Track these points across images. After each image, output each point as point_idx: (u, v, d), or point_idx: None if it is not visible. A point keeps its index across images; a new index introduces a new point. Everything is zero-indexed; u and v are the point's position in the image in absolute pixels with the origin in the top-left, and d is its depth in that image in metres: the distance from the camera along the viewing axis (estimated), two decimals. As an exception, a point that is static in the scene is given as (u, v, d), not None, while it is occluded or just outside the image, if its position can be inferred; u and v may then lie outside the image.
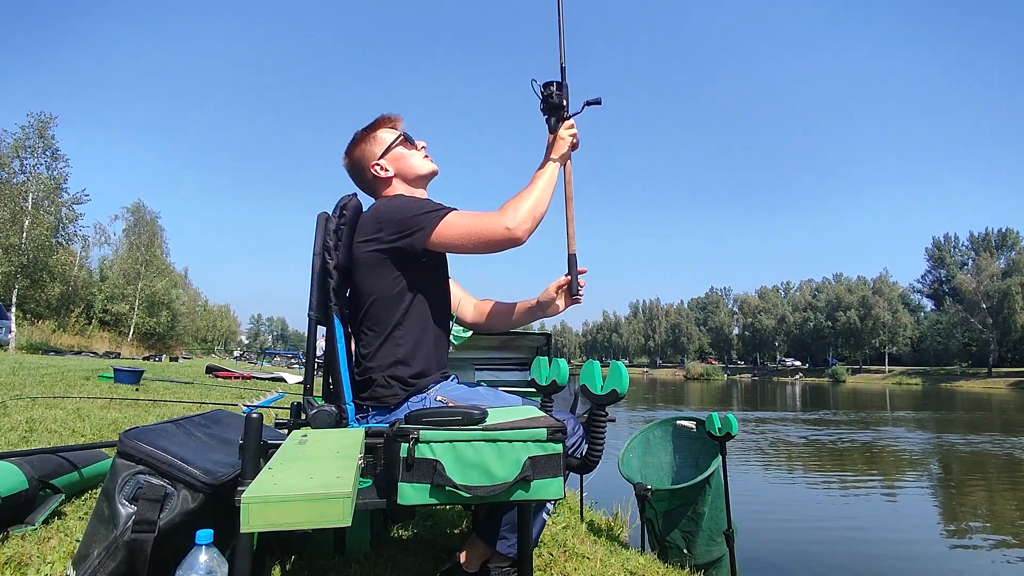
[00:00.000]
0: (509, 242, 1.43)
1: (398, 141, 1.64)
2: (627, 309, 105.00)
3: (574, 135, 1.62)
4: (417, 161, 1.65)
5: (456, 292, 1.83)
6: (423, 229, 1.43)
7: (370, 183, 1.65)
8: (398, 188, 1.62)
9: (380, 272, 1.47)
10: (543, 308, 1.72)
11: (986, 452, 9.74)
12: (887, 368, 60.98)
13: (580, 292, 1.69)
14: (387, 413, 1.45)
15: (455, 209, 1.47)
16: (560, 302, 1.70)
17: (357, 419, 1.46)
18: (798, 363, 72.01)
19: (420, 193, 1.64)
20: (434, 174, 1.68)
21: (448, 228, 1.44)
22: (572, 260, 1.67)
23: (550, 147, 1.60)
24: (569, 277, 1.67)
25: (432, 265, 1.55)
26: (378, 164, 1.61)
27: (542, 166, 1.57)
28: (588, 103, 1.63)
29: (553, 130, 1.62)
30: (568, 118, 1.63)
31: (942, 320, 62.04)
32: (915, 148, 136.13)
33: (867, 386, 46.91)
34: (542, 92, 1.63)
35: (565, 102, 1.63)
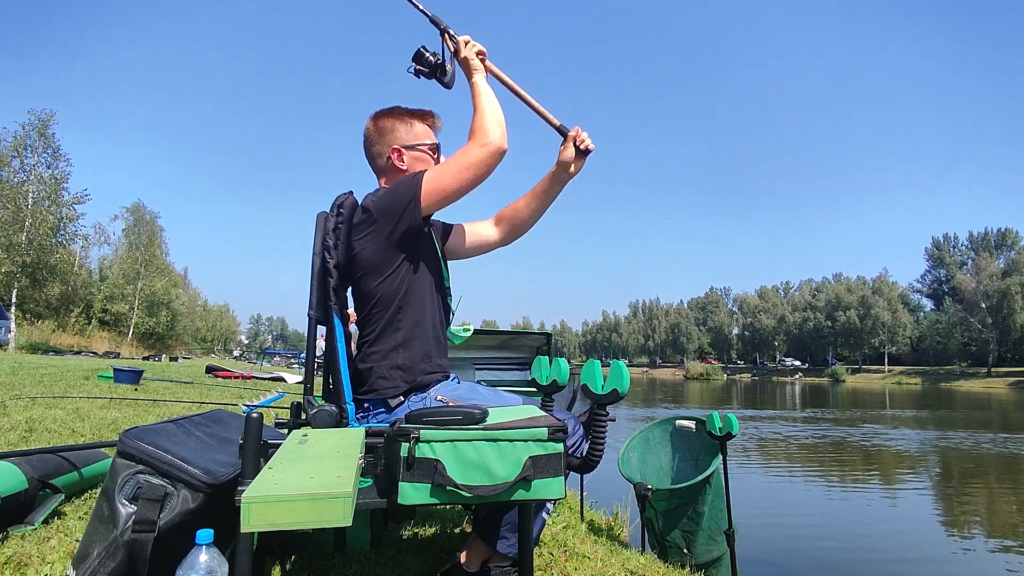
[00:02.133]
0: (494, 155, 1.43)
1: (430, 147, 1.64)
2: (627, 309, 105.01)
3: (472, 47, 1.59)
4: None
5: (467, 228, 1.79)
6: (412, 199, 1.43)
7: (379, 160, 1.63)
8: None
9: (381, 265, 1.47)
10: (565, 169, 1.67)
11: (985, 451, 9.74)
12: (887, 368, 60.96)
13: (586, 142, 1.66)
14: (388, 412, 1.45)
15: (425, 171, 1.48)
16: (577, 160, 1.67)
17: (358, 419, 1.46)
18: (798, 363, 71.96)
19: None
20: None
21: (433, 182, 1.44)
22: (562, 129, 1.67)
23: (467, 72, 1.59)
24: (571, 135, 1.66)
25: (428, 247, 1.55)
26: (400, 151, 1.61)
27: (471, 90, 1.56)
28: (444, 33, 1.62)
29: (448, 85, 1.62)
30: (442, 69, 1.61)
31: (942, 320, 62.02)
32: (915, 148, 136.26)
33: (867, 386, 46.92)
34: (418, 74, 1.62)
35: (440, 57, 1.62)
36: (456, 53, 1.61)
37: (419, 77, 1.62)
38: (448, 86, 1.63)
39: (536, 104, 1.66)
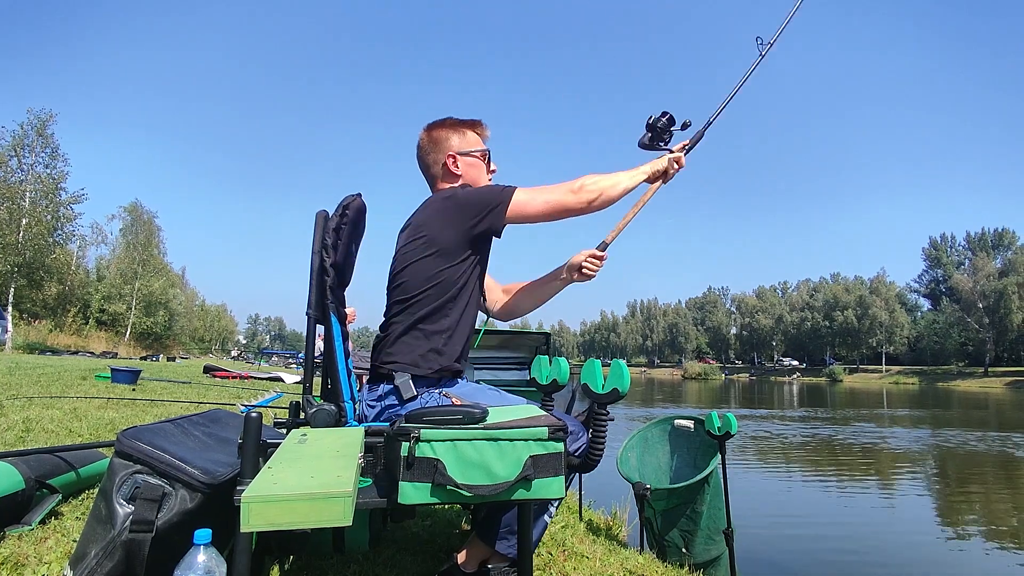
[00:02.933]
0: (577, 210, 1.55)
1: (482, 153, 1.70)
2: (625, 309, 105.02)
3: (677, 160, 1.76)
4: (483, 181, 1.71)
5: (487, 283, 1.83)
6: (501, 204, 1.50)
7: (435, 167, 1.68)
8: None
9: (454, 251, 1.50)
10: (572, 271, 1.78)
11: (982, 450, 9.77)
12: (884, 367, 61.09)
13: (591, 270, 1.76)
14: (400, 405, 1.43)
15: (517, 187, 1.55)
16: (580, 272, 1.78)
17: (369, 404, 1.46)
18: (795, 363, 72.08)
19: None
20: None
21: (523, 202, 1.52)
22: (603, 246, 1.78)
23: (655, 170, 1.75)
24: (595, 253, 1.77)
25: (485, 260, 1.60)
26: (456, 158, 1.66)
27: (637, 175, 1.70)
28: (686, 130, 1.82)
29: (641, 144, 1.81)
30: (665, 145, 1.80)
31: (939, 320, 62.16)
32: (913, 148, 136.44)
33: (864, 385, 47.02)
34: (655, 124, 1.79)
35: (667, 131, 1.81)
36: (677, 159, 1.78)
37: (649, 130, 1.81)
38: (640, 144, 1.82)
39: (622, 224, 1.81)
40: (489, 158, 1.72)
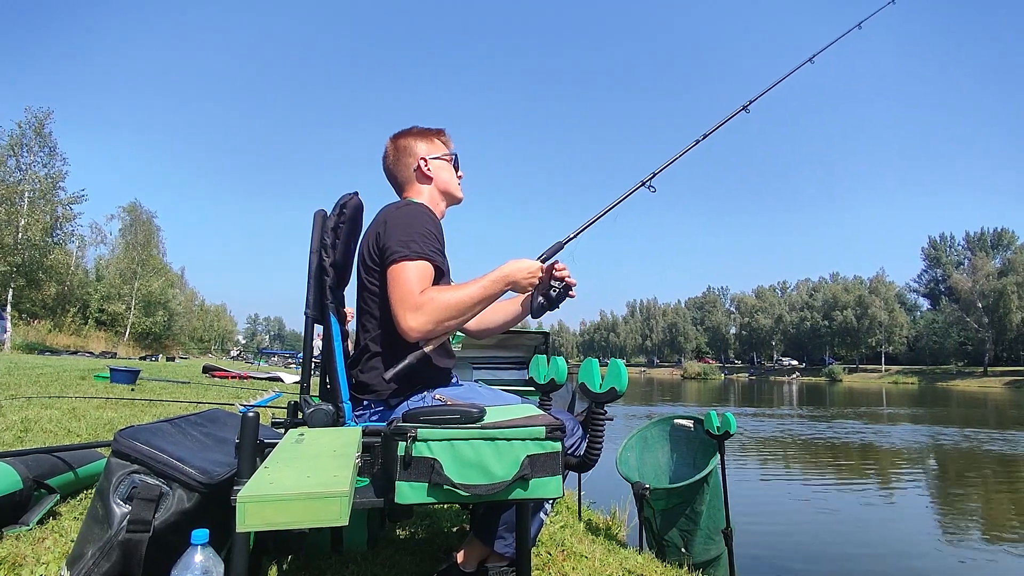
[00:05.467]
0: (400, 330, 1.37)
1: (448, 156, 1.71)
2: (624, 309, 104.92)
3: (533, 277, 1.53)
4: (455, 182, 1.71)
5: None
6: (395, 254, 1.40)
7: (404, 173, 1.68)
8: (425, 193, 1.66)
9: (377, 273, 1.47)
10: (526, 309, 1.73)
11: (981, 450, 9.78)
12: (883, 367, 61.04)
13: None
14: (388, 409, 1.44)
15: (428, 261, 1.41)
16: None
17: (355, 416, 1.45)
18: (795, 362, 72.05)
19: (439, 208, 1.68)
20: (459, 202, 1.74)
21: (401, 272, 1.39)
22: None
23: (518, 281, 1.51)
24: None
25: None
26: (427, 161, 1.66)
27: (490, 278, 1.46)
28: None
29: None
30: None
31: (938, 319, 62.20)
32: (912, 147, 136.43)
33: (863, 385, 47.04)
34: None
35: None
36: (549, 272, 1.60)
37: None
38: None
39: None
40: (457, 163, 1.73)
